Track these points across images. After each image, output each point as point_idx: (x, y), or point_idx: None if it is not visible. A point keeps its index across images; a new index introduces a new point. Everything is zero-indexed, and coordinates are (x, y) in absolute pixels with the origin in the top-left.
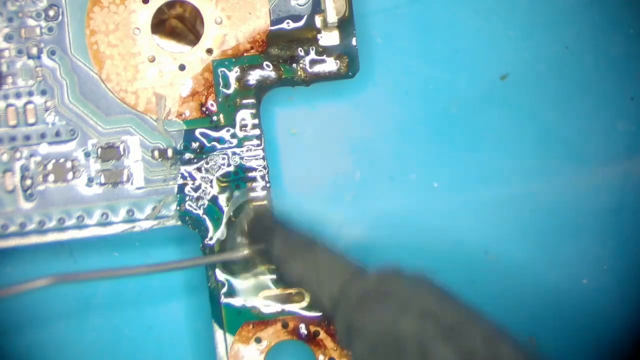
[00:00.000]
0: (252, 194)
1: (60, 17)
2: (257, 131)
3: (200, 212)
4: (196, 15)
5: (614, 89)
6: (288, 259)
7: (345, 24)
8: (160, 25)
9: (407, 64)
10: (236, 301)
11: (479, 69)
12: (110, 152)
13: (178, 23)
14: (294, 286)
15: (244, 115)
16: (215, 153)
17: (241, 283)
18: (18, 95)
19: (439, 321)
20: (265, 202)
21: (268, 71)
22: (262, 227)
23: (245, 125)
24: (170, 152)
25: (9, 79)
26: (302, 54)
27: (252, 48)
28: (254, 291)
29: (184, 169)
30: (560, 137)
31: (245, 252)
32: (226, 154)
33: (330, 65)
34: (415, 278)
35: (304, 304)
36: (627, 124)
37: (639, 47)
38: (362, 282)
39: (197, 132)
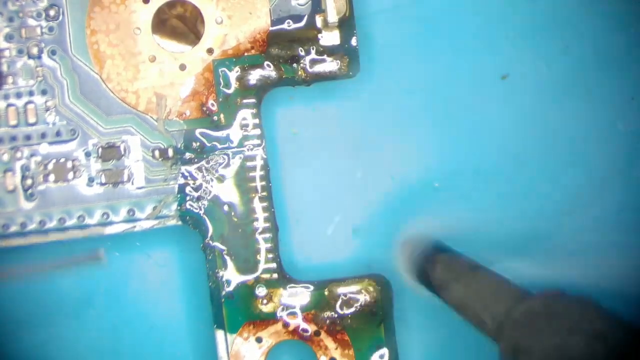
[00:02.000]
0: None
1: (60, 17)
2: (257, 131)
3: (201, 211)
4: (197, 15)
5: (615, 88)
6: (450, 282)
7: (346, 24)
8: (161, 25)
9: (408, 64)
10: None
11: (479, 68)
12: (110, 152)
13: (179, 23)
14: (453, 310)
15: (245, 115)
16: (215, 153)
17: None
18: (18, 95)
19: (608, 343)
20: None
21: (269, 71)
22: (423, 252)
23: (246, 125)
24: (170, 152)
25: (10, 79)
26: (302, 53)
27: (252, 48)
28: None
29: (184, 168)
30: (561, 137)
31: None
32: (227, 154)
33: (330, 65)
34: (582, 300)
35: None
36: (627, 124)
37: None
38: (528, 304)
39: (198, 131)
